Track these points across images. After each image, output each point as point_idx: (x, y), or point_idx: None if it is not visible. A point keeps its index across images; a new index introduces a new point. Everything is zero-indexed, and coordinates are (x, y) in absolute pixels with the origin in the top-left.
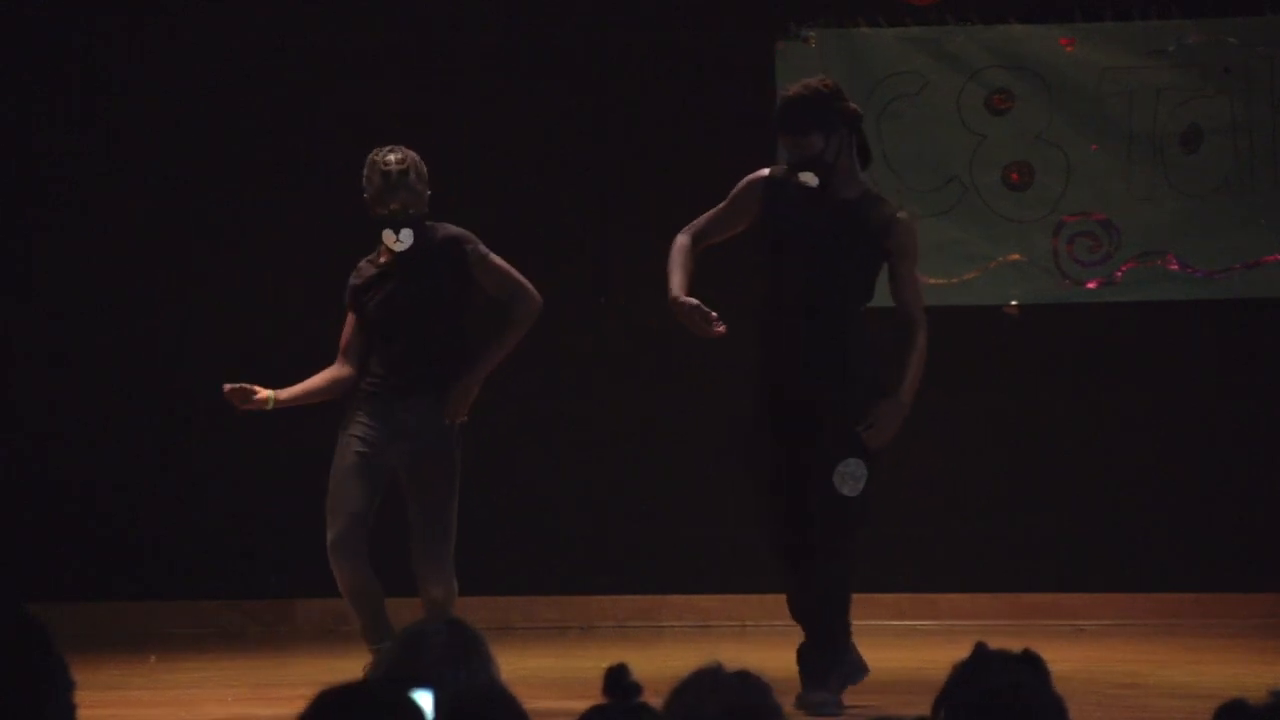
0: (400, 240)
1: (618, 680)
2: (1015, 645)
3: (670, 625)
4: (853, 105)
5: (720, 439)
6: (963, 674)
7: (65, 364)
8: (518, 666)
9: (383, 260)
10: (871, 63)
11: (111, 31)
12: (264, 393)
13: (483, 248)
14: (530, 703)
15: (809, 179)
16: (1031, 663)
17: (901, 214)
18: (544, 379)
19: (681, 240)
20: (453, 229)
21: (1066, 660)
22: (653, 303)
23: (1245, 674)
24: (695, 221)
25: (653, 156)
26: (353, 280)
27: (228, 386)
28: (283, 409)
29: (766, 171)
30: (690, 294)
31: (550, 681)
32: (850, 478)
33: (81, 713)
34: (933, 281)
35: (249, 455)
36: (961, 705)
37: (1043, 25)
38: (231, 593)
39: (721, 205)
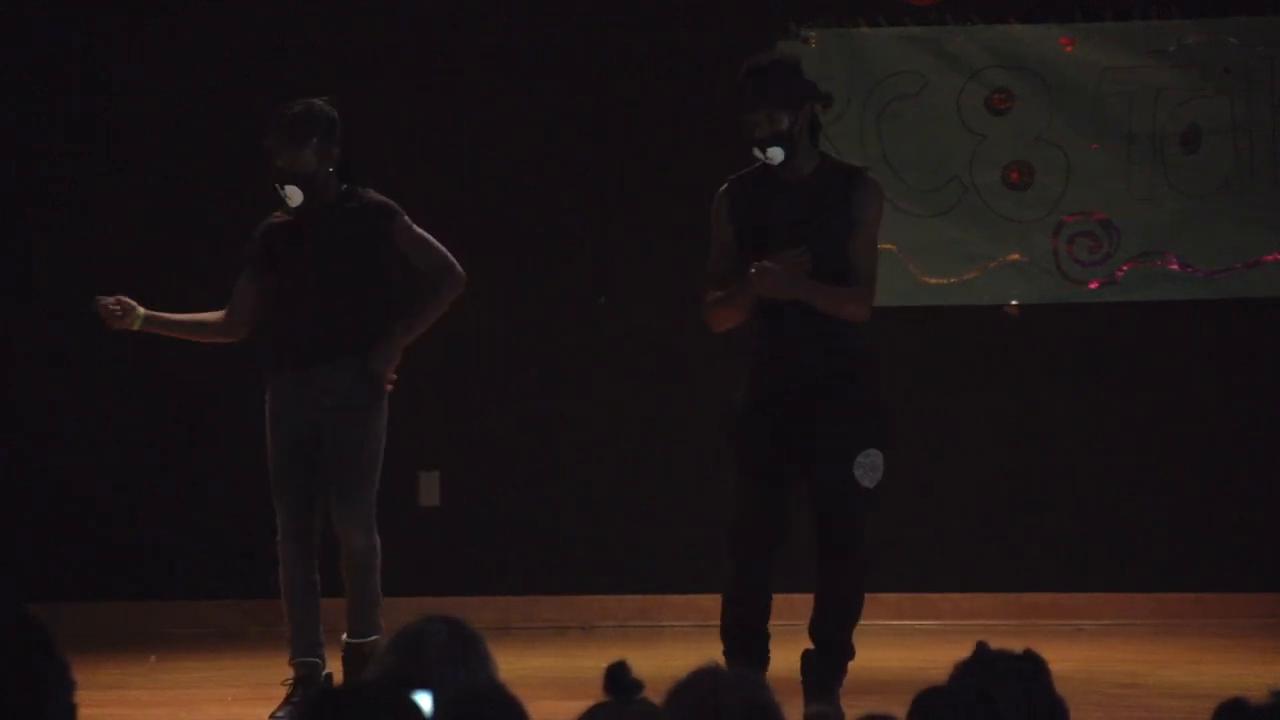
0: (288, 197)
1: (618, 678)
2: (1015, 645)
3: (670, 625)
4: (808, 79)
5: (719, 438)
6: (964, 673)
7: (65, 364)
8: (518, 666)
9: (290, 217)
10: (871, 63)
11: (111, 31)
12: (136, 310)
13: (409, 220)
14: (530, 703)
15: (776, 154)
16: (1033, 663)
17: (868, 172)
18: (544, 379)
19: (707, 298)
20: (379, 197)
21: (1066, 660)
22: (653, 303)
23: (1245, 674)
24: (708, 277)
25: (653, 156)
26: (262, 230)
27: (102, 300)
28: (149, 332)
29: (725, 185)
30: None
31: (550, 681)
32: (870, 468)
33: (81, 712)
34: (933, 281)
35: (249, 455)
36: (962, 705)
37: (1043, 25)
38: (231, 593)
39: (713, 244)
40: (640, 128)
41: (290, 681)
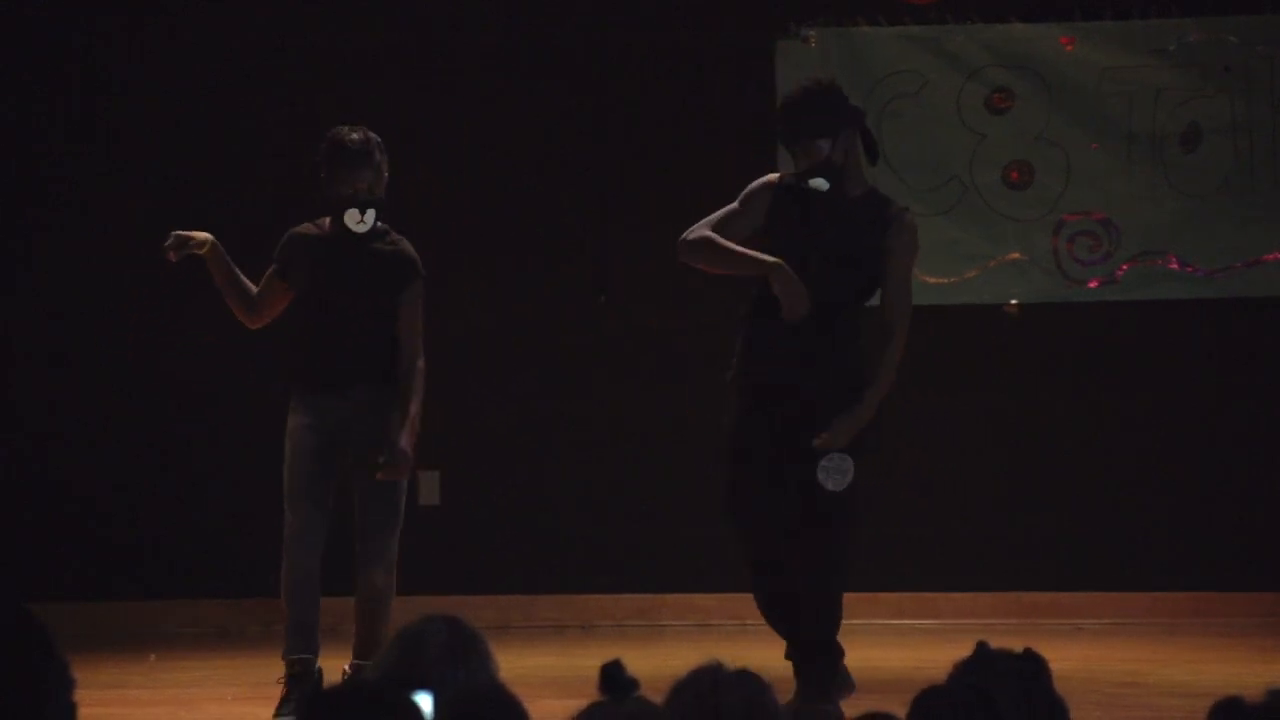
0: (364, 221)
1: (613, 676)
2: (1015, 644)
3: (670, 624)
4: (852, 103)
5: (719, 438)
6: (964, 673)
7: (65, 364)
8: (518, 666)
9: (331, 232)
10: (871, 62)
11: (111, 31)
12: (203, 236)
13: (421, 289)
14: (530, 702)
15: (820, 184)
16: (1033, 662)
17: (906, 212)
18: (544, 379)
19: (707, 233)
20: (411, 249)
21: (1066, 659)
22: (653, 303)
23: (1245, 673)
24: (708, 220)
25: (653, 156)
26: (293, 236)
27: (172, 238)
28: (208, 266)
29: (776, 177)
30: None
31: (550, 681)
32: (835, 472)
33: (81, 712)
34: (932, 280)
35: (249, 455)
36: (962, 704)
37: (1043, 24)
38: (231, 592)
39: (733, 207)
40: (640, 128)
41: (284, 679)
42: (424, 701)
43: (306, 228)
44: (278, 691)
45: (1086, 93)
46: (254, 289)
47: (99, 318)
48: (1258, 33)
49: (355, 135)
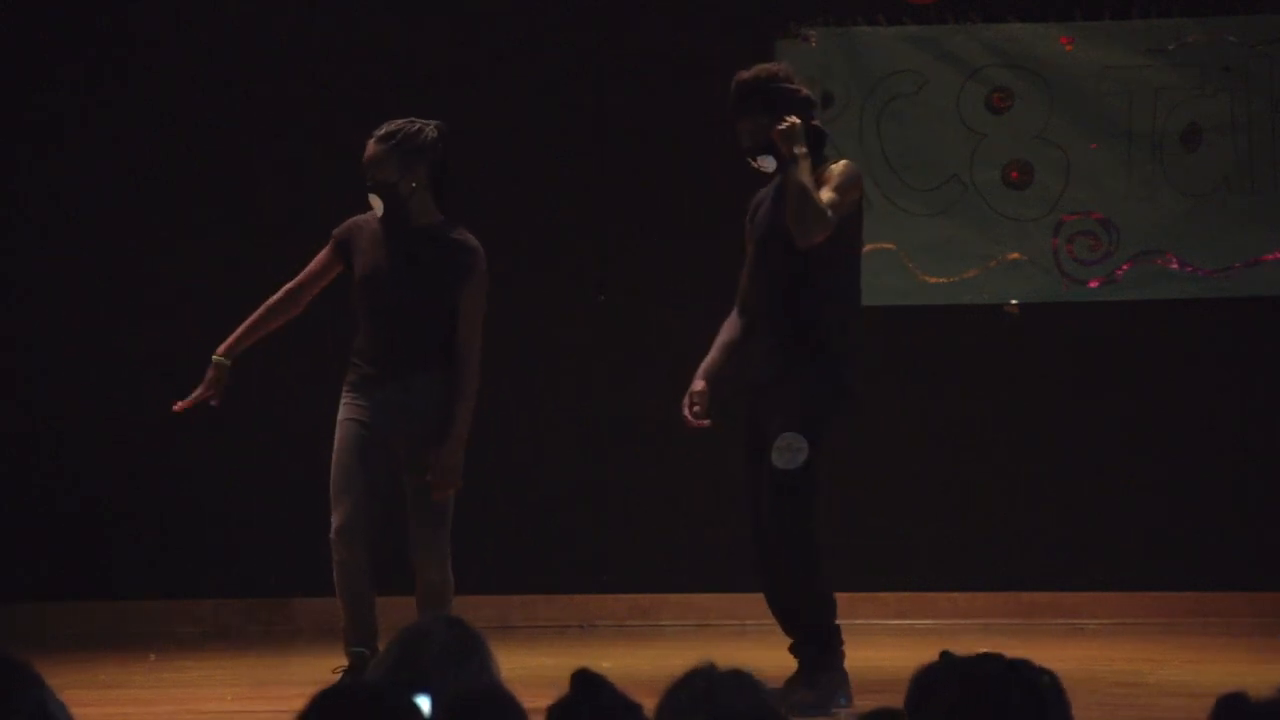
0: (372, 205)
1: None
2: (1015, 644)
3: (669, 624)
4: (802, 90)
5: (719, 438)
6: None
7: (65, 364)
8: (518, 666)
9: (388, 224)
10: (871, 62)
11: (109, 32)
12: (214, 369)
13: (484, 278)
14: (530, 702)
15: (766, 163)
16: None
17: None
18: (544, 379)
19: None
20: (473, 240)
21: (1066, 660)
22: (653, 302)
23: (1245, 673)
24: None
25: (653, 157)
26: (352, 223)
27: (179, 406)
28: (241, 354)
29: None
30: (717, 372)
31: (550, 681)
32: (787, 450)
33: (81, 711)
34: (932, 280)
35: (248, 454)
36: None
37: (1042, 24)
38: (231, 593)
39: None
40: (640, 128)
41: (342, 670)
42: (423, 703)
43: (368, 217)
44: (279, 691)
45: (1086, 92)
46: (275, 301)
47: (98, 318)
48: (1257, 32)
49: (389, 125)
